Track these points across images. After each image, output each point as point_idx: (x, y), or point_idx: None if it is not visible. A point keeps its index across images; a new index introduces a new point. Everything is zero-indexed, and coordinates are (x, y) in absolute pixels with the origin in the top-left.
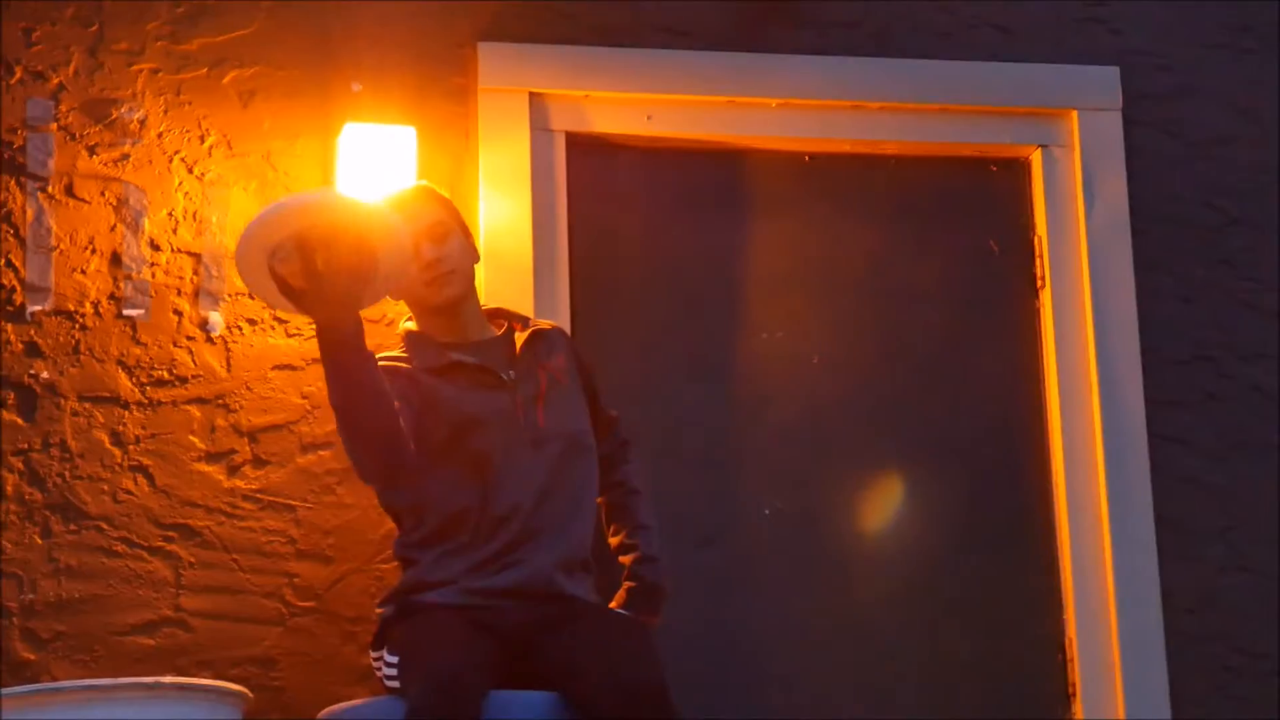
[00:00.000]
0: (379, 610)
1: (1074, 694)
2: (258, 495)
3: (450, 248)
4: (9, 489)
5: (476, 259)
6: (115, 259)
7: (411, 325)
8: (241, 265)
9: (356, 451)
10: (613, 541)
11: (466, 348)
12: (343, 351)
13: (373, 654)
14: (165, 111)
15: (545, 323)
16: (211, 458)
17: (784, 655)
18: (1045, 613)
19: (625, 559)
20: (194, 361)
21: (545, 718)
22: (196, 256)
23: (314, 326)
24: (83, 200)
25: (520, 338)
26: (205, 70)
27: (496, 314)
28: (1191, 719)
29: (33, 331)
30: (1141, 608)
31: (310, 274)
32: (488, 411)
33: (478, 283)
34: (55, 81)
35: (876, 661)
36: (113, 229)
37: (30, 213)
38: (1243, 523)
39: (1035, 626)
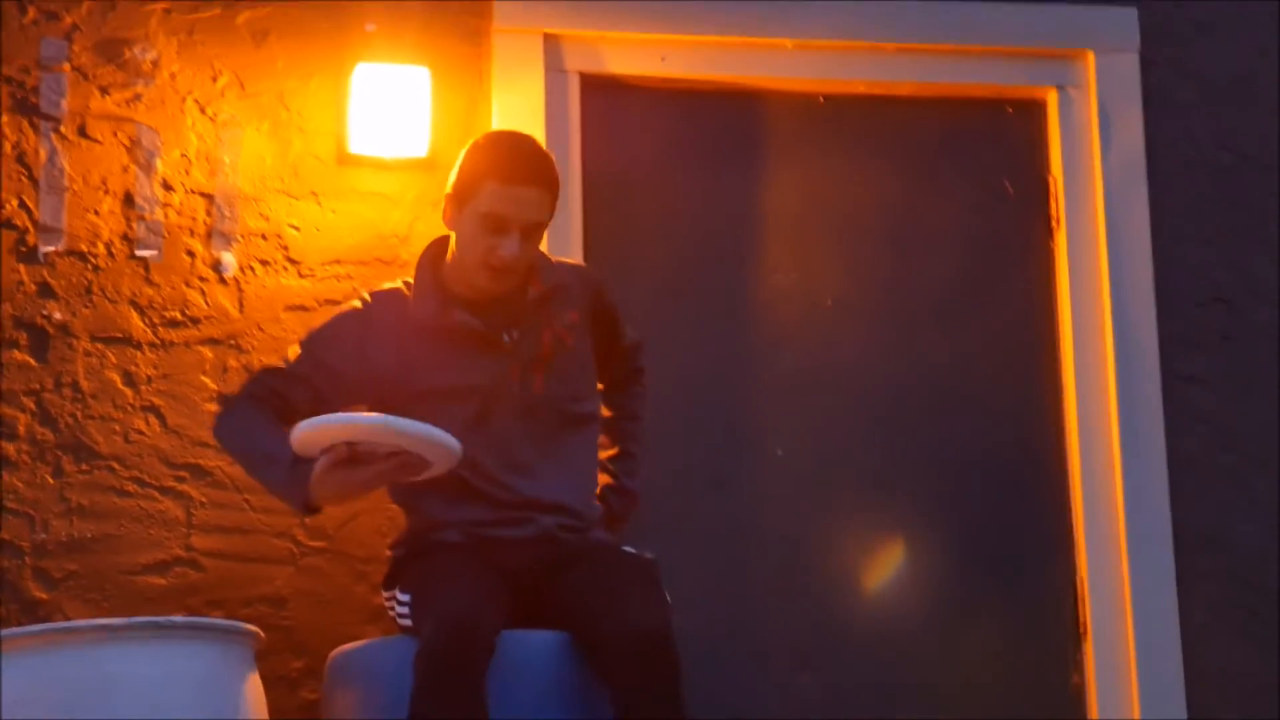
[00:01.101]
0: (390, 552)
1: (1085, 632)
2: None
3: (529, 251)
4: (21, 429)
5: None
6: (128, 199)
7: (438, 256)
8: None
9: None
10: (599, 457)
11: (474, 305)
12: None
13: (384, 593)
14: (178, 51)
15: (572, 266)
16: (223, 398)
17: (793, 598)
18: (1057, 551)
19: (602, 479)
20: (206, 302)
21: (555, 658)
22: (209, 197)
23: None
24: (95, 141)
25: (534, 293)
26: (218, 10)
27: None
28: (1202, 656)
29: (45, 272)
30: (1153, 547)
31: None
32: (477, 378)
33: None
34: (68, 21)
35: (888, 602)
36: (125, 170)
37: (43, 153)
38: (1256, 462)
39: (1047, 565)
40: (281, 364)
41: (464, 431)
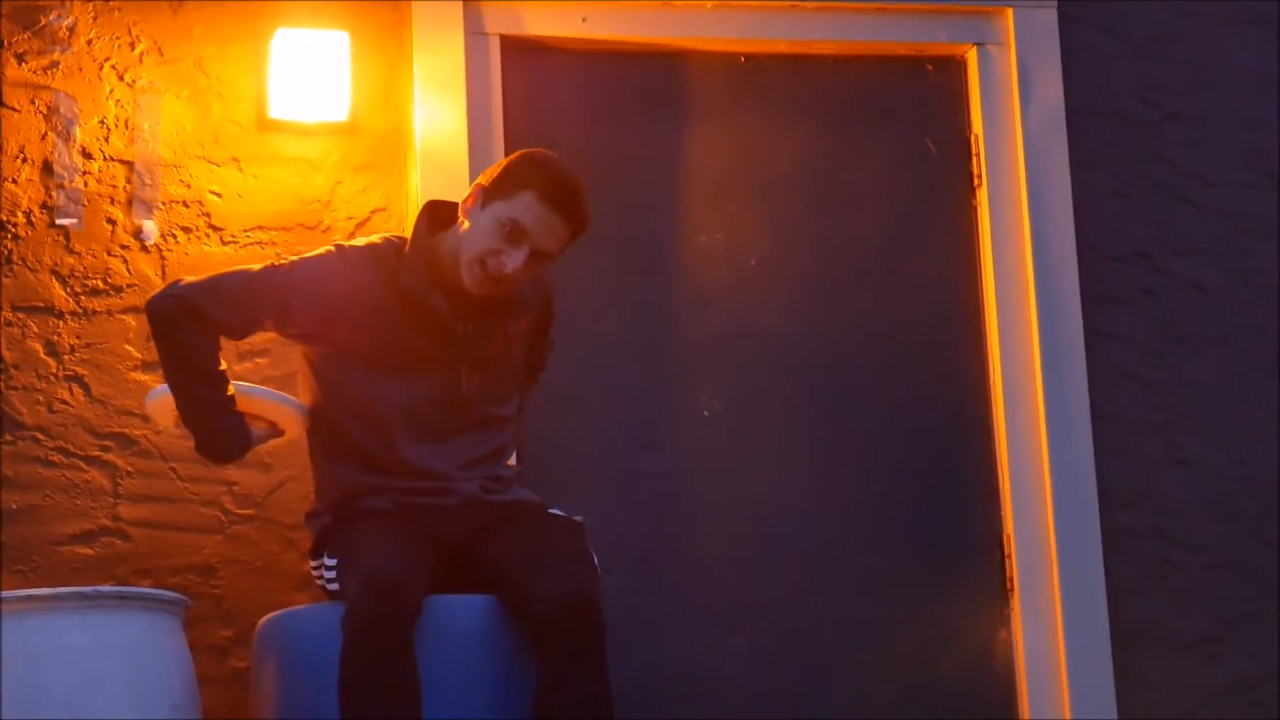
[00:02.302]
0: (307, 521)
1: (1011, 588)
2: None
3: (529, 270)
4: None
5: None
6: (47, 168)
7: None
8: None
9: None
10: None
11: (446, 291)
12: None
13: (312, 562)
14: (95, 18)
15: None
16: (148, 367)
17: (722, 556)
18: (983, 508)
19: None
20: (129, 270)
21: (482, 621)
22: (129, 165)
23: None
24: (13, 109)
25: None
26: None
27: None
28: (1128, 613)
29: None
30: (1078, 503)
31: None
32: (423, 361)
33: (413, 187)
34: None
35: (814, 558)
36: (44, 137)
37: None
38: (1180, 417)
39: (973, 522)
40: (238, 282)
41: (389, 406)
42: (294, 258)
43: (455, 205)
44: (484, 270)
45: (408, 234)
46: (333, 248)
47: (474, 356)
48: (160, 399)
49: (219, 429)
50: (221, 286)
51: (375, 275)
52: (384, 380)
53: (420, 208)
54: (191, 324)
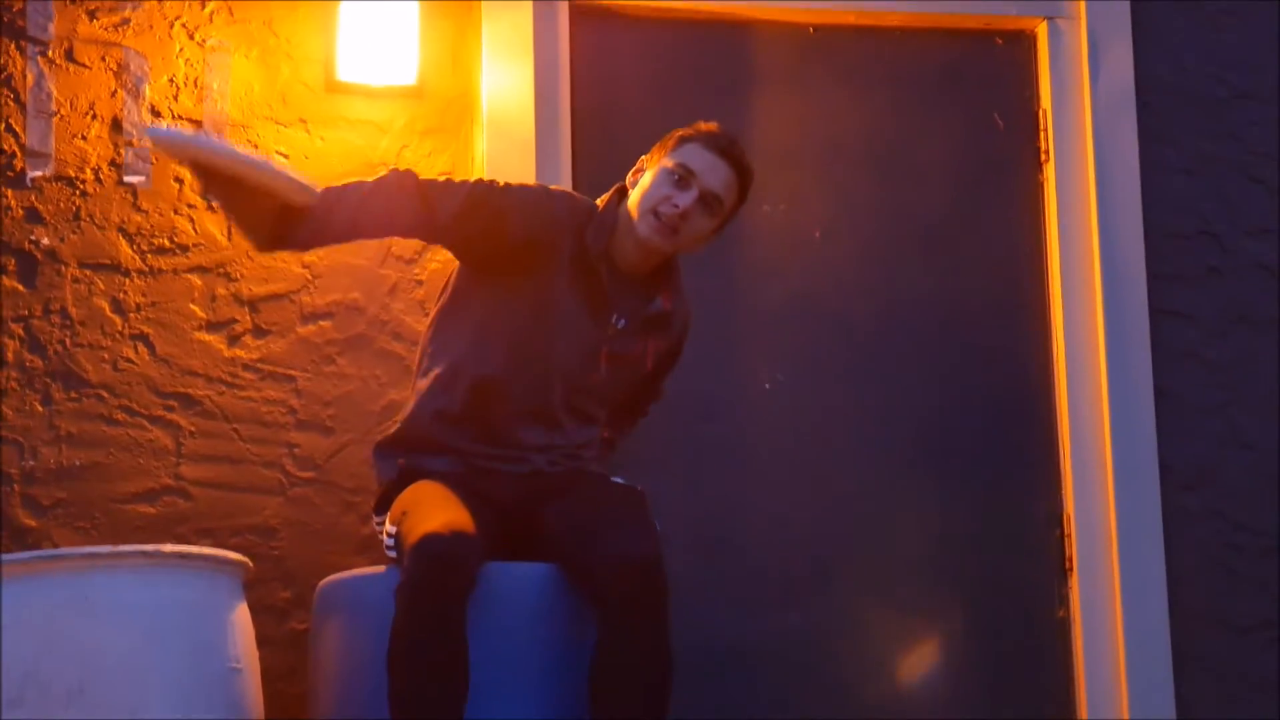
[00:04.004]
0: (374, 455)
1: (1071, 569)
2: (258, 365)
3: (699, 220)
4: (9, 356)
5: (699, 248)
6: (116, 125)
7: (625, 206)
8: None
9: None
10: None
11: (618, 275)
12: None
13: (375, 518)
14: None
15: (685, 300)
16: (212, 327)
17: (782, 527)
18: (1044, 487)
19: None
20: (195, 230)
21: (542, 588)
22: (197, 124)
23: None
24: (83, 65)
25: (661, 308)
26: None
27: (665, 268)
28: (1187, 595)
29: (33, 197)
30: (1139, 483)
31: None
32: (569, 327)
33: (479, 152)
34: None
35: (875, 534)
36: (113, 95)
37: (30, 77)
38: (1243, 398)
39: (1034, 501)
40: (460, 185)
41: (515, 358)
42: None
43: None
44: (657, 219)
45: None
46: (539, 185)
47: (616, 350)
48: (172, 140)
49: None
50: (444, 183)
51: (570, 222)
52: (525, 328)
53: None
54: (405, 198)
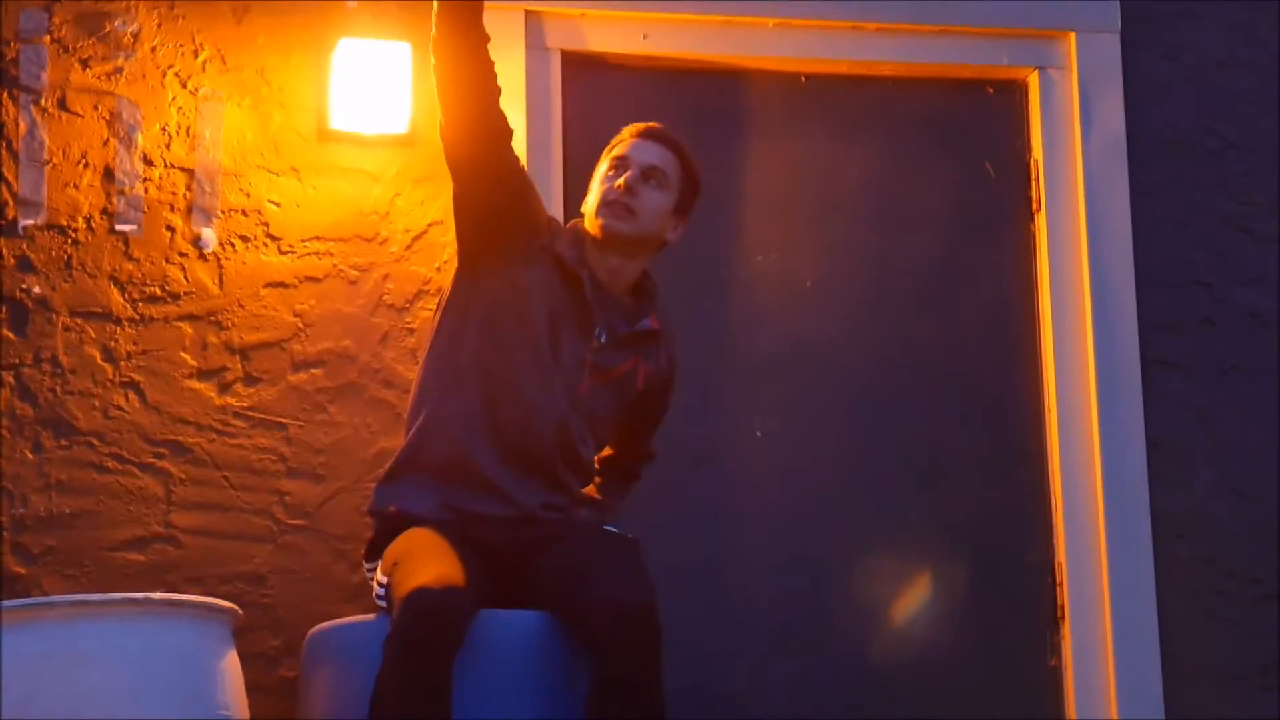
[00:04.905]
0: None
1: (1062, 617)
2: (249, 413)
3: (649, 195)
4: (0, 404)
5: (668, 238)
6: (108, 174)
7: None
8: None
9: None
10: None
11: (602, 290)
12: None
13: (366, 565)
14: (159, 25)
15: (672, 340)
16: (203, 375)
17: (773, 575)
18: (1036, 536)
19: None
20: (186, 278)
21: (534, 637)
22: (189, 172)
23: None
24: (76, 114)
25: (648, 325)
26: None
27: (646, 290)
28: (1179, 643)
29: (25, 246)
30: (1131, 531)
31: None
32: (556, 334)
33: None
34: None
35: (867, 583)
36: (105, 143)
37: (23, 126)
38: (1234, 447)
39: (1026, 547)
40: None
41: (517, 380)
42: None
43: None
44: (608, 206)
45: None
46: None
47: (601, 364)
48: None
49: None
50: None
51: (554, 229)
52: (513, 339)
53: None
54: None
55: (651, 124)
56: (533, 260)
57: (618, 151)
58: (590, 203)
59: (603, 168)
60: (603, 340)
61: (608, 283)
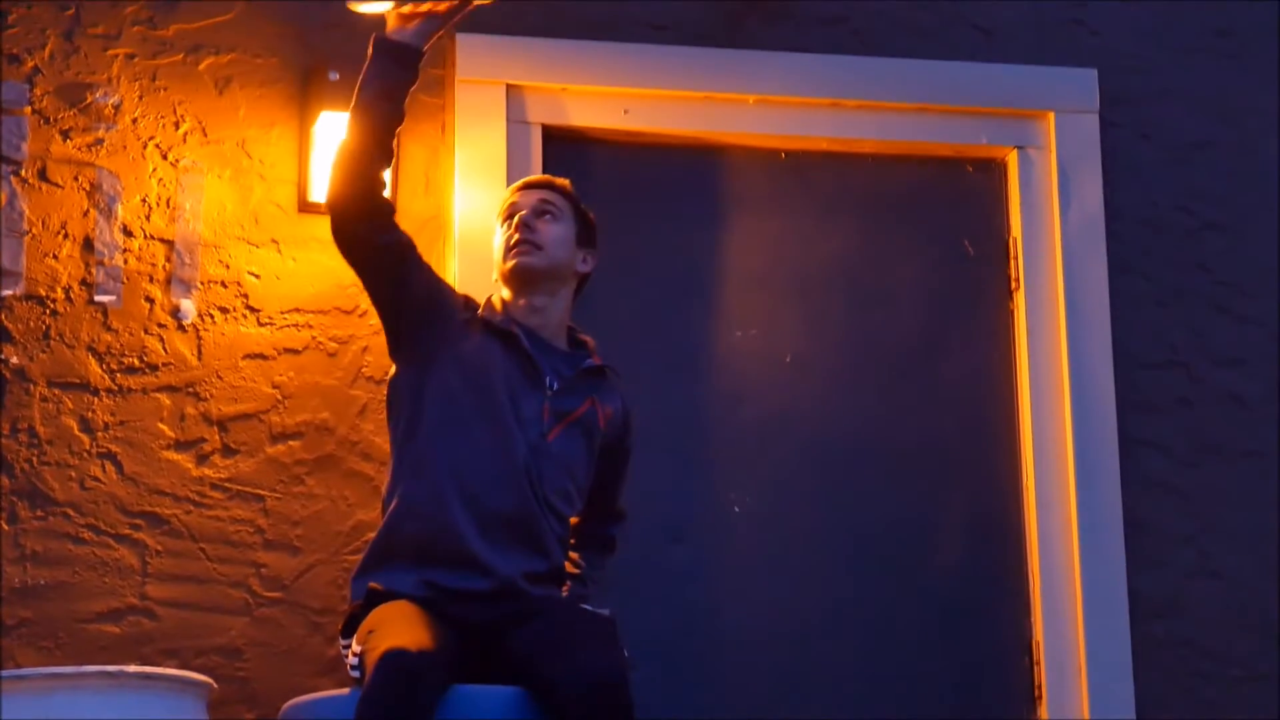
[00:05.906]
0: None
1: (1039, 696)
2: (226, 484)
3: (547, 227)
4: None
5: (581, 268)
6: (87, 244)
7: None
8: None
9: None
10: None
11: (540, 344)
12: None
13: (341, 641)
14: (140, 97)
15: (622, 393)
16: (181, 446)
17: (751, 652)
18: (1013, 614)
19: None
20: (164, 349)
21: (508, 711)
22: (169, 243)
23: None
24: (56, 185)
25: (593, 364)
26: (181, 56)
27: (580, 339)
28: None
29: (3, 316)
30: (1109, 611)
31: None
32: (511, 389)
33: (451, 274)
34: (30, 65)
35: (844, 660)
36: (85, 214)
37: (3, 196)
38: (1212, 528)
39: (1003, 628)
40: None
41: (482, 444)
42: None
43: None
44: (513, 249)
45: None
46: None
47: (561, 409)
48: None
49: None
50: None
51: (479, 307)
52: (474, 412)
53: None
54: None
55: (529, 179)
56: (463, 335)
57: (505, 207)
58: (497, 258)
59: (498, 229)
60: (554, 387)
61: (539, 329)
